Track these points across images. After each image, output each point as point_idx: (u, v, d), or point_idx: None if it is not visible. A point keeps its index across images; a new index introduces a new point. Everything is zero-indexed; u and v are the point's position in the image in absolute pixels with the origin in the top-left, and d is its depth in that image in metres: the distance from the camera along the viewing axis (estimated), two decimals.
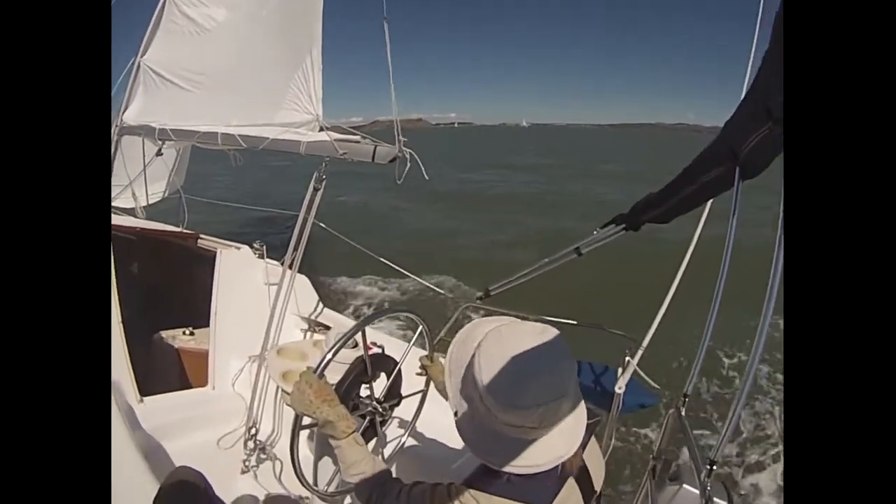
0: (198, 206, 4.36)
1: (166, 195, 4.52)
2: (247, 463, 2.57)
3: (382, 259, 3.17)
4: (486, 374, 0.98)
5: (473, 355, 1.02)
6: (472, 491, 1.03)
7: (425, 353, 1.85)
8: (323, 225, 3.06)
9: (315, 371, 1.42)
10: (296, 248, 2.78)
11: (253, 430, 2.62)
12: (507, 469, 1.00)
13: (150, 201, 4.24)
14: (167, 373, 3.25)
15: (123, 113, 3.71)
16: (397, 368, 1.83)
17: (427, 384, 1.90)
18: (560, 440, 1.02)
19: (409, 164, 2.62)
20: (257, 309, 3.05)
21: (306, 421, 1.46)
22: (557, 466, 1.04)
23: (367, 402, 1.71)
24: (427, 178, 2.56)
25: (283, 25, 3.26)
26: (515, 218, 13.02)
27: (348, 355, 1.70)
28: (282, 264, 2.93)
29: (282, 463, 2.63)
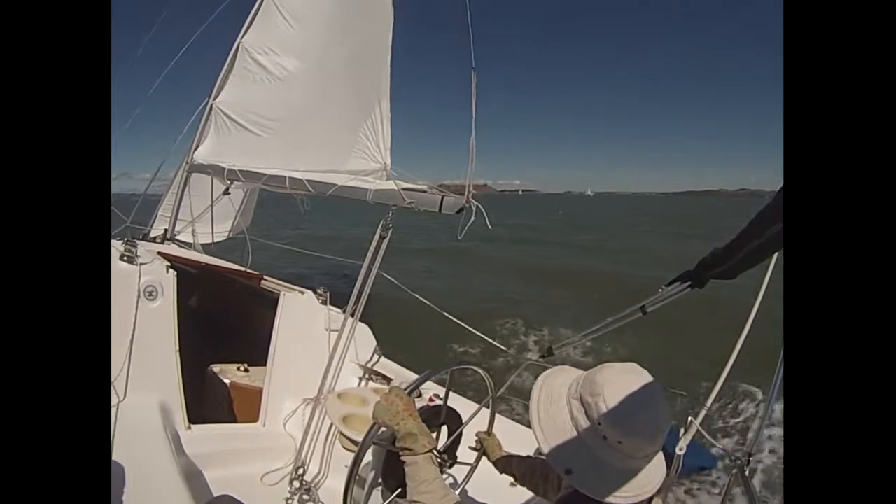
0: (262, 249, 4.44)
1: (230, 236, 4.62)
2: (289, 501, 2.53)
3: (446, 314, 3.15)
4: (608, 402, 1.03)
5: (590, 388, 1.07)
6: None
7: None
8: (387, 276, 3.05)
9: (405, 390, 1.46)
10: (359, 296, 2.78)
11: (301, 470, 2.60)
12: (608, 499, 1.03)
13: (215, 240, 4.34)
14: (217, 406, 3.28)
15: (194, 151, 3.87)
16: (466, 424, 1.81)
17: (479, 458, 1.94)
18: (655, 474, 1.09)
19: (473, 217, 2.63)
20: (316, 353, 3.07)
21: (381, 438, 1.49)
22: None
23: None
24: (490, 227, 2.56)
25: (353, 76, 3.36)
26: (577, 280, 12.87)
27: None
28: (343, 311, 2.95)
29: None
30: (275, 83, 3.71)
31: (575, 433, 1.07)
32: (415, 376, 1.91)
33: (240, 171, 3.42)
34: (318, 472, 2.71)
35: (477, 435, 1.89)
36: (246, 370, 3.50)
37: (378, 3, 3.52)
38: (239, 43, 3.82)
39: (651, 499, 1.13)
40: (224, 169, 3.53)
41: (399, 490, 1.57)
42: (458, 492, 2.06)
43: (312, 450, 2.74)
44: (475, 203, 2.59)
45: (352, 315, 2.87)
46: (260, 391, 3.17)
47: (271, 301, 3.37)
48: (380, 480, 1.65)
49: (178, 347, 3.02)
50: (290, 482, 2.60)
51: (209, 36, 4.69)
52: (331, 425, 2.78)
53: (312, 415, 2.78)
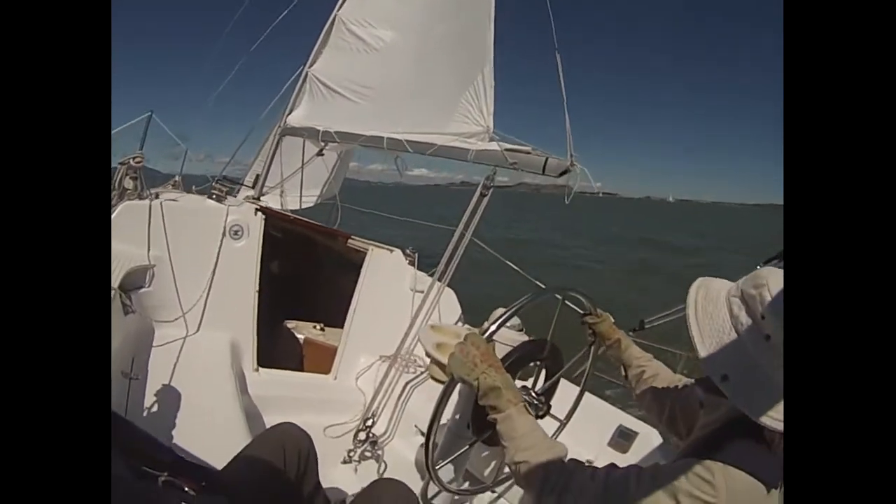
0: (351, 216, 4.50)
1: (320, 201, 4.71)
2: (351, 454, 2.54)
3: (538, 282, 3.11)
4: (773, 291, 0.88)
5: (753, 280, 0.94)
6: (708, 462, 0.89)
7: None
8: (480, 243, 2.99)
9: (483, 335, 1.26)
10: (451, 258, 2.77)
11: (369, 422, 2.61)
12: (763, 419, 0.88)
13: (304, 205, 4.44)
14: (289, 359, 3.31)
15: (288, 115, 3.98)
16: (568, 365, 1.67)
17: (592, 354, 1.69)
18: None
19: (578, 180, 2.61)
20: (398, 313, 3.07)
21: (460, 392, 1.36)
22: None
23: (524, 393, 1.51)
24: (595, 187, 2.54)
25: (454, 47, 3.37)
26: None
27: (513, 338, 1.61)
28: (431, 275, 2.95)
29: (386, 465, 2.57)
30: (372, 53, 3.78)
31: (735, 334, 0.93)
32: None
33: (336, 132, 3.51)
34: (386, 431, 2.70)
35: (585, 319, 1.60)
36: (322, 329, 3.57)
37: None
38: (335, 15, 3.94)
39: None
40: (319, 131, 3.62)
41: (490, 433, 1.40)
42: (561, 427, 1.83)
43: (383, 407, 2.74)
44: (580, 165, 2.57)
45: (440, 279, 2.85)
46: (334, 349, 3.22)
47: (357, 261, 3.41)
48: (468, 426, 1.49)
49: (258, 288, 3.10)
50: (355, 436, 2.60)
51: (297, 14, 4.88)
52: (405, 384, 2.78)
53: (388, 372, 2.79)
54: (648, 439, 2.09)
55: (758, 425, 0.89)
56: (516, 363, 1.49)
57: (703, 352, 0.95)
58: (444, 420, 1.40)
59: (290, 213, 3.91)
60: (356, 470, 2.52)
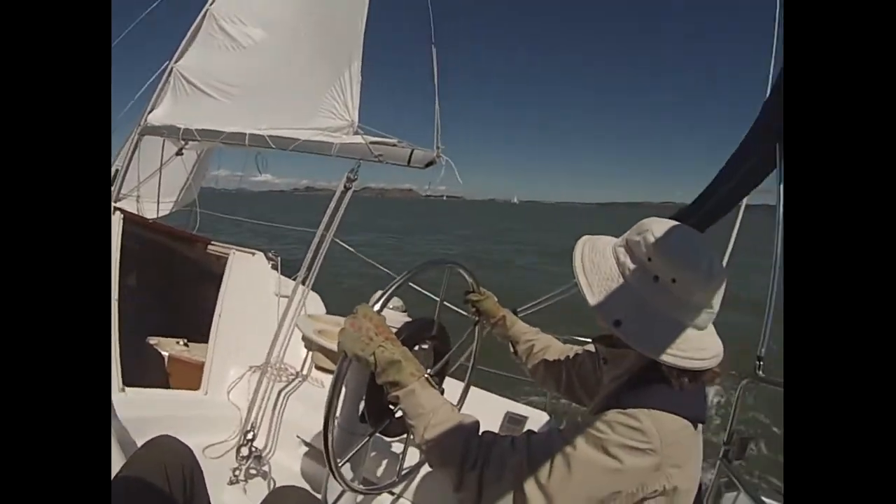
0: (208, 224, 4.23)
1: (177, 208, 4.40)
2: (237, 472, 2.30)
3: (411, 284, 3.04)
4: (657, 234, 0.93)
5: (636, 228, 0.98)
6: (630, 410, 0.87)
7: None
8: (342, 243, 2.92)
9: (373, 306, 1.14)
10: (313, 260, 2.64)
11: (250, 435, 2.38)
12: (663, 357, 0.89)
13: (161, 213, 4.11)
14: (154, 378, 3.01)
15: (149, 114, 3.68)
16: (459, 344, 1.60)
17: (478, 334, 1.65)
18: (712, 343, 0.95)
19: (443, 172, 2.58)
20: (265, 320, 2.88)
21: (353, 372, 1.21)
22: (704, 395, 0.97)
23: None
24: (460, 181, 2.51)
25: (323, 43, 3.29)
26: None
27: (398, 319, 1.53)
28: (294, 279, 2.80)
29: (274, 481, 2.34)
30: (239, 51, 3.58)
31: (622, 280, 0.95)
32: None
33: (197, 130, 3.25)
34: (267, 444, 2.48)
35: (467, 296, 1.57)
36: (186, 345, 3.29)
37: None
38: (207, 9, 3.72)
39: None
40: (180, 129, 3.35)
41: (388, 422, 1.33)
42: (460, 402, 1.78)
43: (261, 419, 2.52)
44: (445, 157, 2.54)
45: (303, 282, 2.71)
46: (201, 365, 2.91)
47: (218, 268, 3.16)
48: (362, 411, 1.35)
49: (117, 297, 2.77)
50: (237, 453, 2.36)
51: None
52: (279, 393, 2.59)
53: (260, 382, 2.58)
54: (539, 422, 2.12)
55: (665, 368, 0.91)
56: (405, 343, 1.37)
57: (593, 301, 0.95)
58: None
59: (147, 219, 3.59)
60: (245, 490, 2.29)
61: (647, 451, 0.84)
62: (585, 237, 1.06)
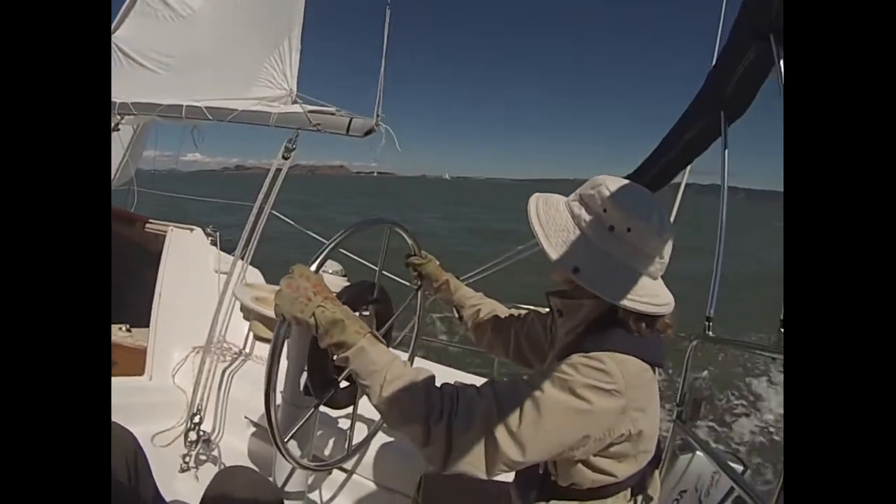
0: (145, 204, 4.08)
1: (115, 187, 4.18)
2: (187, 459, 2.24)
3: (345, 251, 2.96)
4: (611, 188, 0.97)
5: (589, 184, 1.01)
6: (593, 353, 0.90)
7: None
8: (279, 215, 2.88)
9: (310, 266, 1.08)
10: (251, 234, 2.57)
11: (197, 419, 2.31)
12: (623, 301, 0.92)
13: None
14: None
15: None
16: (403, 308, 1.57)
17: (420, 299, 1.63)
18: (664, 292, 1.00)
19: (383, 140, 2.53)
20: (205, 298, 2.79)
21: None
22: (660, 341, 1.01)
23: None
24: (399, 150, 2.46)
25: (263, 12, 3.18)
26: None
27: (337, 283, 1.49)
28: (233, 254, 2.72)
29: (224, 465, 2.28)
30: (178, 21, 3.43)
31: (578, 231, 0.97)
32: None
33: (132, 103, 3.12)
34: (214, 427, 2.42)
35: (408, 260, 1.54)
36: (128, 330, 3.19)
37: None
38: None
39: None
40: (116, 103, 3.20)
41: (333, 392, 1.29)
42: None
43: (206, 402, 2.46)
44: (384, 126, 2.48)
45: (242, 257, 2.64)
46: (144, 350, 2.82)
47: (156, 247, 3.06)
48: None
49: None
50: (185, 439, 2.30)
51: None
52: (223, 372, 2.53)
53: (203, 362, 2.50)
54: None
55: (622, 314, 0.94)
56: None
57: (551, 251, 0.96)
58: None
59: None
60: (197, 477, 2.24)
61: (613, 393, 0.87)
62: (537, 194, 1.07)
